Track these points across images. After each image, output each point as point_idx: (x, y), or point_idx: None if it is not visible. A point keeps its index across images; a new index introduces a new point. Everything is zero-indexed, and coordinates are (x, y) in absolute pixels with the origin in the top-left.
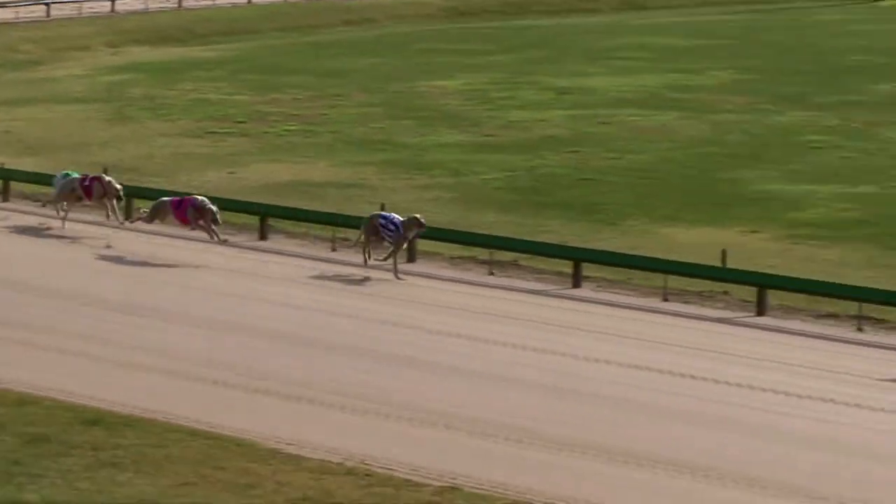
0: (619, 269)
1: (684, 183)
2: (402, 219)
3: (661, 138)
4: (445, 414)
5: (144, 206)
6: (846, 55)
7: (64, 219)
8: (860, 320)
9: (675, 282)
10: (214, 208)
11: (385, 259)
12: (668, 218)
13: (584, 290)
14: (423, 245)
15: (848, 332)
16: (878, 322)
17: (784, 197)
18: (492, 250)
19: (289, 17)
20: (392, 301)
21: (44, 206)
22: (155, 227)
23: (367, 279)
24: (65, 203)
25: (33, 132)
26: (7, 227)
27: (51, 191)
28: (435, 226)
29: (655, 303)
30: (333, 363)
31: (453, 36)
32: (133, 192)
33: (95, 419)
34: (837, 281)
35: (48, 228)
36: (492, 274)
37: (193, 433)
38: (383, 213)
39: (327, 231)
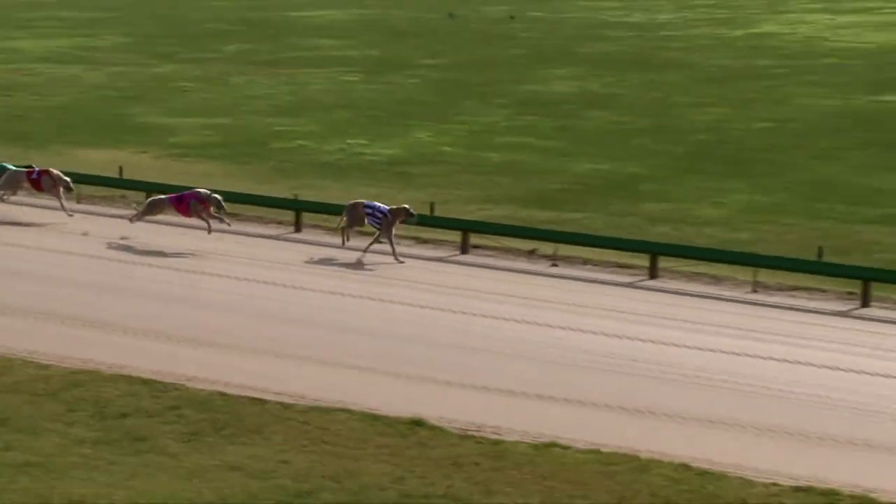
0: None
1: (91, 117)
2: (387, 207)
3: (72, 85)
4: None
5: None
6: (205, 23)
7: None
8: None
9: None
10: (218, 197)
11: (369, 246)
12: (81, 143)
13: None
14: None
15: None
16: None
17: (163, 127)
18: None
19: None
20: None
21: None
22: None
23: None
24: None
25: None
26: None
27: None
28: None
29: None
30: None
31: None
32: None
33: None
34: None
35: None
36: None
37: None
38: (367, 201)
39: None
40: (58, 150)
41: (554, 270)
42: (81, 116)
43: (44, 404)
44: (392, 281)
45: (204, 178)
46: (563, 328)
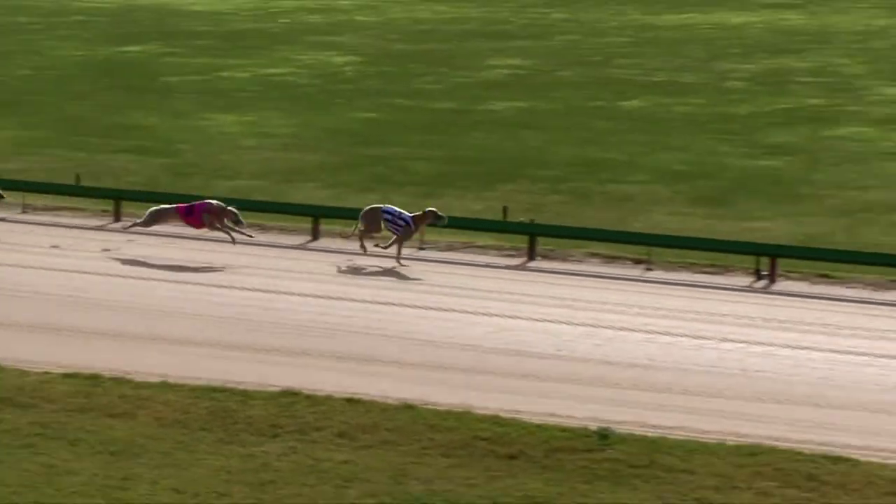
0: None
1: None
2: (410, 214)
3: None
4: None
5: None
6: None
7: None
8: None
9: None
10: (235, 210)
11: (387, 247)
12: None
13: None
14: None
15: None
16: None
17: None
18: None
19: None
20: None
21: None
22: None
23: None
24: None
25: None
26: None
27: None
28: None
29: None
30: None
31: None
32: None
33: None
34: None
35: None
36: None
37: None
38: (386, 206)
39: None
40: None
41: None
42: None
43: None
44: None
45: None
46: None
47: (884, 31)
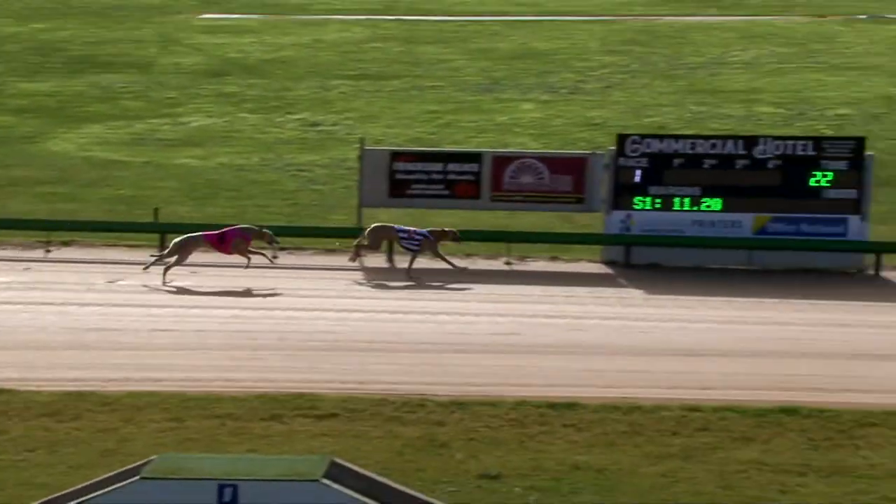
0: None
1: None
2: (425, 230)
3: None
4: None
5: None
6: None
7: None
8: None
9: None
10: (269, 231)
11: (410, 267)
12: None
13: None
14: None
15: None
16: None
17: None
18: None
19: None
20: None
21: None
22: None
23: None
24: None
25: None
26: None
27: None
28: None
29: None
30: None
31: None
32: None
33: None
34: None
35: None
36: None
37: None
38: (398, 226)
39: None
40: None
41: None
42: None
43: None
44: None
45: None
46: None
47: (15, 36)
